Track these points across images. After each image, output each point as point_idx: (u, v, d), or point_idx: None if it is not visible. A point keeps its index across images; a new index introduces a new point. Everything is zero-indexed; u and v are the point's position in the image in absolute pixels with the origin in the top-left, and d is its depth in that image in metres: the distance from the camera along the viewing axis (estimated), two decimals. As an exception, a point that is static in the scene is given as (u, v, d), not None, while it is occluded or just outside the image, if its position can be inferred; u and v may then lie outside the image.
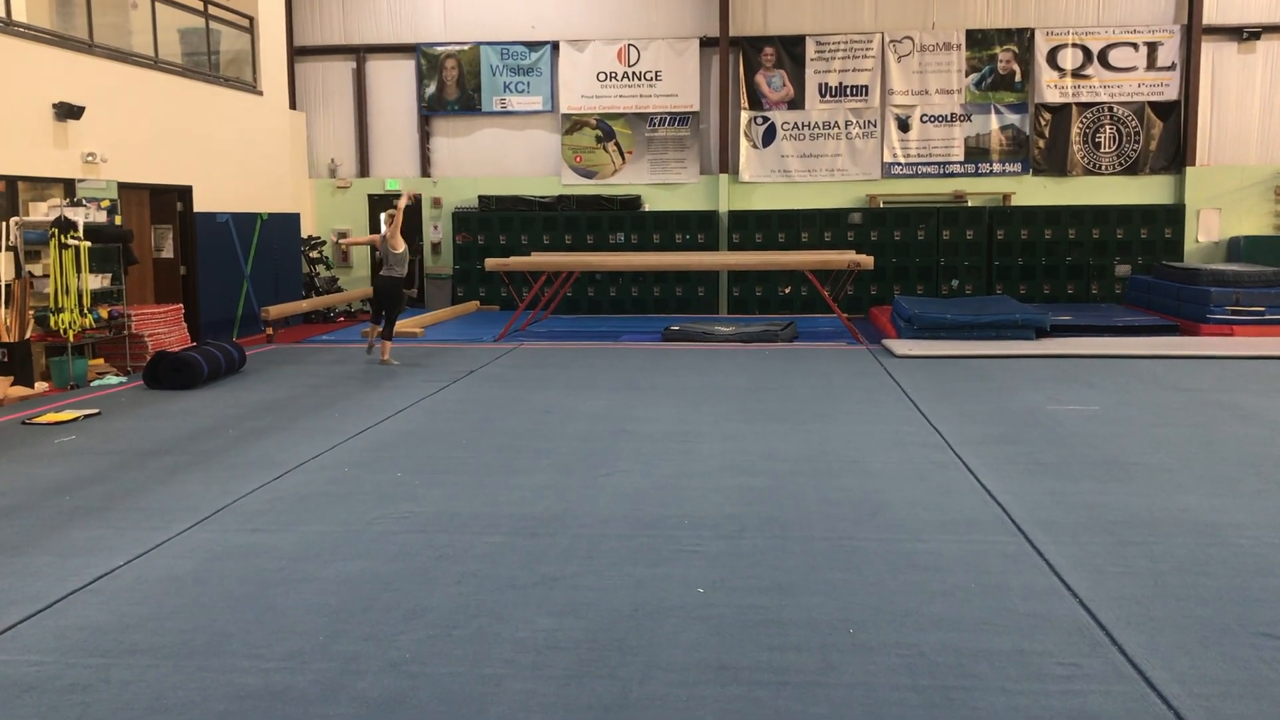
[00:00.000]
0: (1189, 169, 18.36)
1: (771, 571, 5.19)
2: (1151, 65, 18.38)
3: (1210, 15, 18.13)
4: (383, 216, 13.27)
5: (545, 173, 19.69)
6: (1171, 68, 18.34)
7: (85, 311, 11.26)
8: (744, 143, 19.13)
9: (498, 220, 19.16)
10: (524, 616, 4.64)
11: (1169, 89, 18.40)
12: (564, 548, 5.59)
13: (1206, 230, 18.46)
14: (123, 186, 12.79)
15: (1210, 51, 18.28)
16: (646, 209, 19.24)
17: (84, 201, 11.78)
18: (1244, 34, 18.13)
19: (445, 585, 5.04)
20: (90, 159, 12.23)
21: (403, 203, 12.96)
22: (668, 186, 19.39)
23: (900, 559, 5.34)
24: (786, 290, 18.41)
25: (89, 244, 11.26)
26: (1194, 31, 18.09)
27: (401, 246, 12.45)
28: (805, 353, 13.33)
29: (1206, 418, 8.89)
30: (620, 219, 18.88)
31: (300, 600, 4.87)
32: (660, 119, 19.27)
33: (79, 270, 11.14)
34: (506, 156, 19.77)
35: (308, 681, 4.02)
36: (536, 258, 16.27)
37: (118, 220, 12.30)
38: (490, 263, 15.61)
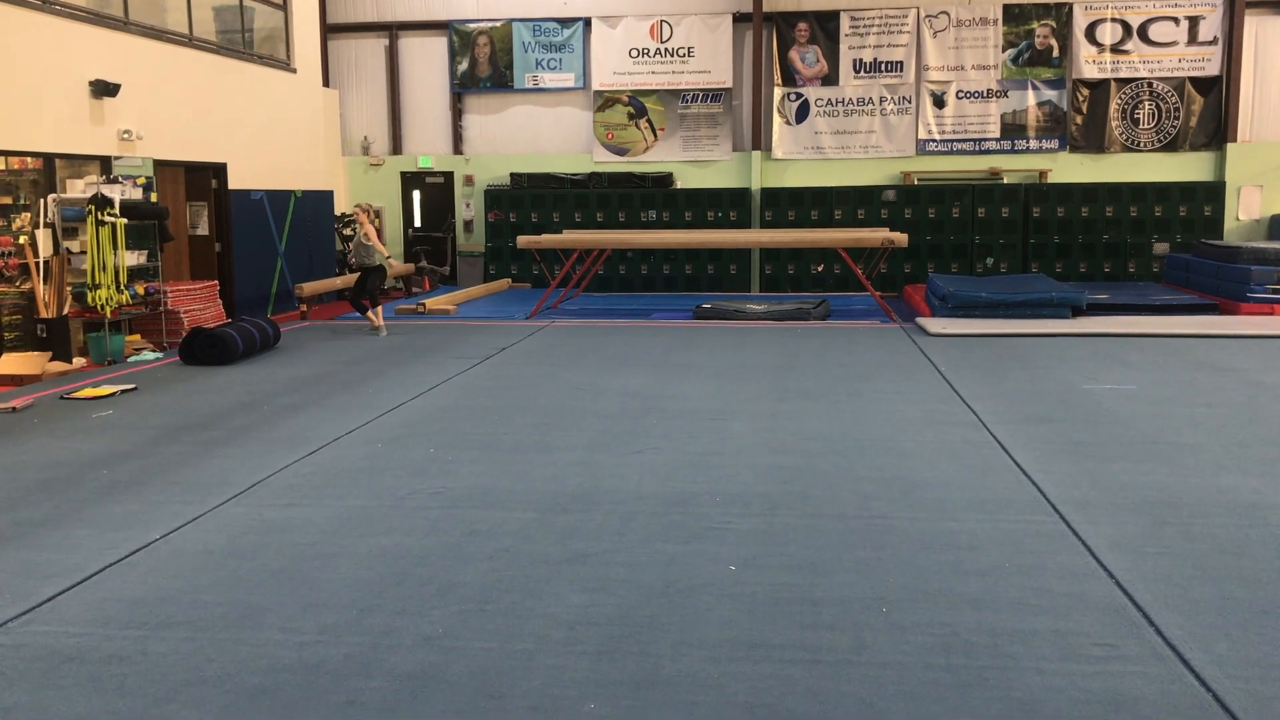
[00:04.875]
0: (1230, 145, 18.04)
1: (804, 549, 5.17)
2: (1193, 40, 18.05)
3: (1254, -12, 17.81)
4: (360, 225, 13.56)
5: (577, 150, 19.64)
6: (1213, 42, 18.01)
7: (122, 288, 11.36)
8: (777, 119, 18.99)
9: (529, 198, 19.15)
10: (556, 592, 4.65)
11: (1210, 64, 18.08)
12: (596, 524, 5.59)
13: (1247, 208, 18.15)
14: (158, 163, 12.89)
15: (1254, 26, 17.94)
16: (678, 186, 19.15)
17: (120, 178, 11.87)
18: (1289, 7, 17.80)
19: (478, 561, 5.06)
20: (126, 136, 12.32)
21: (365, 220, 13.54)
22: (700, 164, 19.29)
23: (934, 538, 5.31)
24: (819, 268, 18.30)
25: (125, 221, 11.36)
26: (1237, 5, 17.74)
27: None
28: (838, 331, 13.25)
29: (1246, 398, 8.76)
30: (652, 196, 18.81)
31: (334, 575, 4.90)
32: (692, 95, 19.16)
33: (115, 247, 11.24)
34: (538, 134, 19.74)
35: (341, 655, 4.05)
36: (568, 235, 16.25)
37: (153, 197, 12.38)
38: (522, 240, 15.63)
